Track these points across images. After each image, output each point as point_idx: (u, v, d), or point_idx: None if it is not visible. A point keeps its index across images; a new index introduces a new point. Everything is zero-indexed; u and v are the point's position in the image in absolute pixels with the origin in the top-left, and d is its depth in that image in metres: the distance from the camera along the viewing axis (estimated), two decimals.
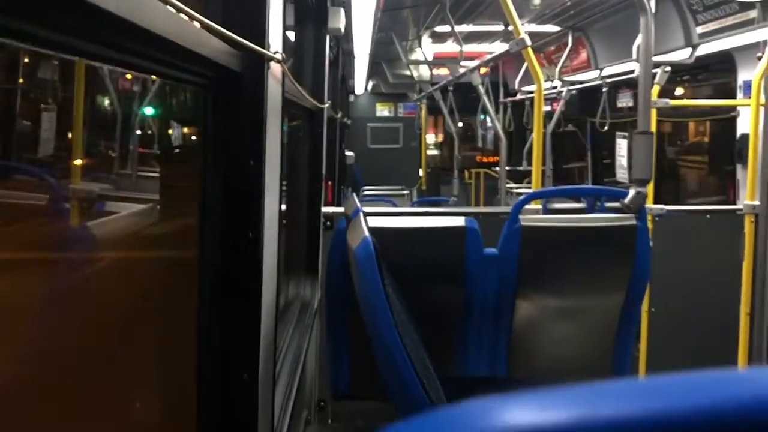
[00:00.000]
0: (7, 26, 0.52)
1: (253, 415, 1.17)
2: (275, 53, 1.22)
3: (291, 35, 3.19)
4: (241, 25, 1.11)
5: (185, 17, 0.75)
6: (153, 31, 0.67)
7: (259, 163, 1.21)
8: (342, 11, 3.26)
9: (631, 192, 2.57)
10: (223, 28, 1.09)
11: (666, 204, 4.04)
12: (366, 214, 2.00)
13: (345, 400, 2.73)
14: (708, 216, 4.09)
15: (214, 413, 1.13)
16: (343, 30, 3.35)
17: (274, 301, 1.41)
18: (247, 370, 1.19)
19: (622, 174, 6.70)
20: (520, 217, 2.57)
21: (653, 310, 3.99)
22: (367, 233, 1.45)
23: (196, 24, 0.83)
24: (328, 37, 3.28)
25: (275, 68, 1.30)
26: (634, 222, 2.56)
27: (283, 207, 3.09)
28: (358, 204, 2.12)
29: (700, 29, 4.76)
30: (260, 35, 1.14)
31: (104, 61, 0.70)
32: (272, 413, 1.36)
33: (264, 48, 1.15)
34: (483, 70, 6.04)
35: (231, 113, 1.15)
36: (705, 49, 4.84)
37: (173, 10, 0.70)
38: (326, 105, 3.10)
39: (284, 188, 3.06)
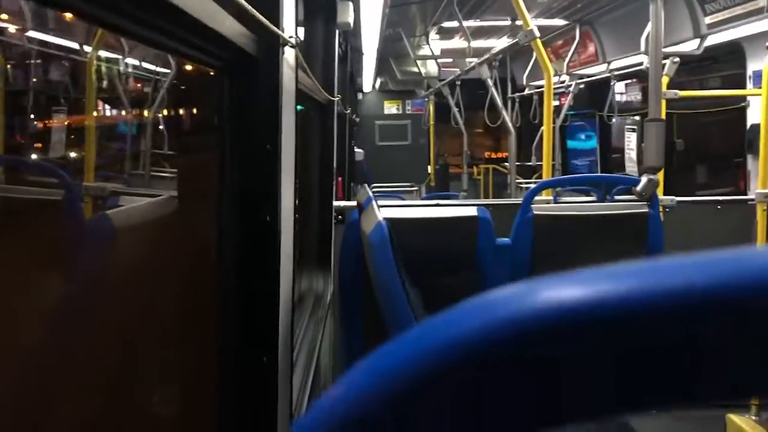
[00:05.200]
0: None
1: (273, 396, 1.18)
2: (290, 37, 1.23)
3: (301, 32, 3.20)
4: (255, 6, 1.12)
5: None
6: (170, 1, 0.68)
7: (276, 148, 1.22)
8: (351, 6, 3.26)
9: (643, 179, 2.56)
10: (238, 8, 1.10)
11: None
12: (379, 206, 2.01)
13: None
14: (719, 207, 4.07)
15: (235, 393, 1.14)
16: (352, 24, 3.36)
17: (291, 286, 1.41)
18: (266, 352, 1.20)
19: (631, 167, 6.68)
20: (532, 206, 2.57)
21: None
22: (380, 218, 1.46)
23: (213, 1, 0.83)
24: (337, 32, 3.29)
25: (289, 54, 1.31)
26: (646, 210, 2.56)
27: (296, 201, 3.10)
28: (370, 193, 2.13)
29: (708, 20, 4.74)
30: (275, 18, 1.15)
31: (122, 33, 0.71)
32: (290, 397, 1.37)
33: (279, 30, 1.16)
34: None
35: (247, 97, 1.16)
36: (713, 39, 4.82)
37: None
38: (337, 98, 3.11)
39: (296, 182, 3.07)
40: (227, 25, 0.94)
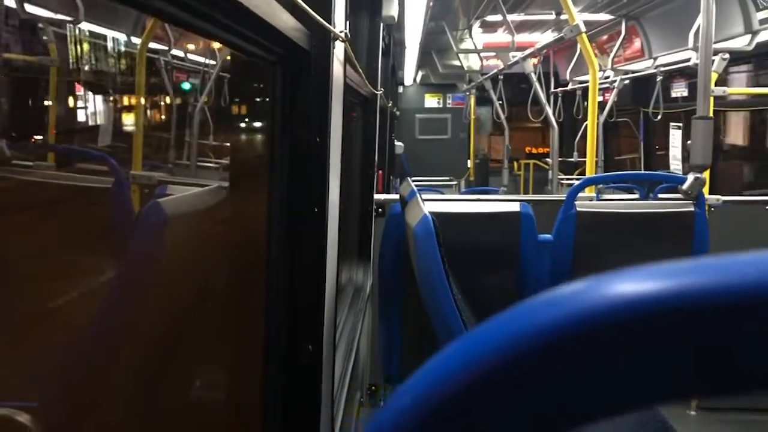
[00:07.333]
0: None
1: (317, 382, 1.20)
2: (341, 32, 1.24)
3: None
4: (308, 1, 1.14)
5: None
6: None
7: (325, 141, 1.24)
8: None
9: (690, 177, 2.53)
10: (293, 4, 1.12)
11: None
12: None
13: (395, 384, 2.75)
14: (767, 207, 3.97)
15: (281, 379, 1.17)
16: (396, 18, 3.36)
17: (335, 277, 1.44)
18: (311, 341, 1.22)
19: (675, 165, 6.55)
20: (575, 203, 2.56)
21: None
22: (426, 211, 1.47)
23: None
24: (381, 25, 3.29)
25: (339, 48, 1.33)
26: (692, 208, 2.52)
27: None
28: (414, 187, 2.14)
29: (760, 15, 4.63)
30: (327, 13, 1.17)
31: (183, 25, 0.73)
32: (332, 385, 1.40)
33: (331, 25, 1.18)
34: (534, 59, 5.98)
35: (299, 90, 1.18)
36: (766, 35, 4.70)
37: None
38: (380, 92, 3.13)
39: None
40: (283, 20, 0.96)
